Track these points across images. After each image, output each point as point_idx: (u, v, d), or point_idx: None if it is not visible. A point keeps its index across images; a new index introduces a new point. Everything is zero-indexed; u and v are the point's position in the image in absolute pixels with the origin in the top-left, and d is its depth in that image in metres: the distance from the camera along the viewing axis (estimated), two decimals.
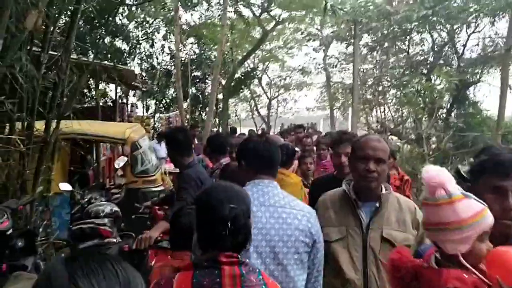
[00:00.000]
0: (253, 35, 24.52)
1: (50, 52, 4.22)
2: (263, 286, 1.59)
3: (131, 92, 15.91)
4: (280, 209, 2.05)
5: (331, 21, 18.34)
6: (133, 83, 10.04)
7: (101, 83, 10.48)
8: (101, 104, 10.74)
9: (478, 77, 15.73)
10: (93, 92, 8.24)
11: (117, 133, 5.69)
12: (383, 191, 2.24)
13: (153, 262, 2.99)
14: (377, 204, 2.19)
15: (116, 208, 3.96)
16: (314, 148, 6.00)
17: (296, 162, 5.04)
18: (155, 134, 11.58)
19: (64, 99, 4.30)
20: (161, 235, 3.01)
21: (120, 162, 5.22)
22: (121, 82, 9.20)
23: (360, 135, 3.03)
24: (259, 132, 14.93)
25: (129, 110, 11.75)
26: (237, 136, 11.09)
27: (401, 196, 2.38)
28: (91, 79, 8.20)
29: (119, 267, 0.82)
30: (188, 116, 14.24)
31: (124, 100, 12.64)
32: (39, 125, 4.15)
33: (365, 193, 2.22)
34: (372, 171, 2.15)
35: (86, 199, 4.32)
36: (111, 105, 11.08)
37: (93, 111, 7.72)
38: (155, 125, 14.24)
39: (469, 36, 15.78)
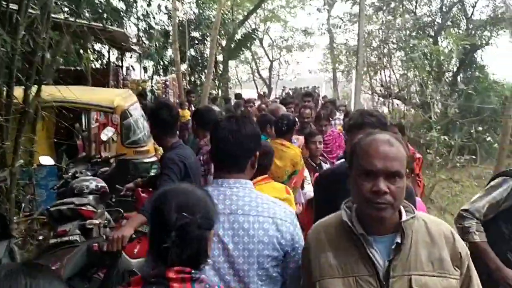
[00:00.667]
0: None
1: (30, 11, 3.86)
2: None
3: (128, 54, 15.39)
4: (242, 217, 1.71)
5: None
6: (126, 45, 9.54)
7: (93, 45, 9.95)
8: (93, 67, 10.29)
9: (487, 40, 15.18)
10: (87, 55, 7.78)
11: (105, 101, 5.32)
12: (404, 216, 1.52)
13: (136, 250, 2.75)
14: (398, 239, 1.49)
15: (102, 184, 3.68)
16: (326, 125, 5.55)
17: (302, 139, 4.75)
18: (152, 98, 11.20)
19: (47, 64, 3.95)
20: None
21: (107, 133, 4.92)
22: (113, 44, 8.74)
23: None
24: (257, 96, 14.50)
25: (124, 73, 11.28)
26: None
27: (431, 218, 1.64)
28: (80, 41, 7.71)
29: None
30: (186, 79, 13.81)
31: (119, 63, 12.13)
32: (18, 92, 3.82)
33: (376, 225, 1.51)
34: (384, 193, 1.43)
35: (70, 173, 4.04)
36: (104, 68, 10.60)
37: (84, 75, 7.28)
38: (152, 88, 13.80)
39: None
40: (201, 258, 1.39)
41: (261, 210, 1.74)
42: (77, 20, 5.75)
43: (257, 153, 1.88)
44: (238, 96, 12.75)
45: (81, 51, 7.69)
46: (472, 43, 13.75)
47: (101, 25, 6.81)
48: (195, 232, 1.34)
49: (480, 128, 9.37)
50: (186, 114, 8.56)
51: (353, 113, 2.25)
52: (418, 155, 4.52)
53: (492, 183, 2.55)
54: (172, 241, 1.30)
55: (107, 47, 10.54)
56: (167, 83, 12.48)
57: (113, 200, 3.57)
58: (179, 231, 1.31)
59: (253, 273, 1.68)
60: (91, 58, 8.78)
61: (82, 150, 6.39)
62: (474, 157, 8.70)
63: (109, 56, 10.37)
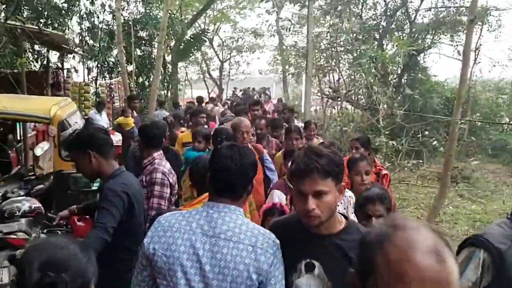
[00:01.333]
0: None
1: None
2: None
3: (71, 55, 14.65)
4: (223, 242, 1.75)
5: None
6: (65, 46, 8.98)
7: (29, 47, 9.29)
8: (31, 70, 9.63)
9: (429, 43, 15.78)
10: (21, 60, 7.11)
11: (40, 111, 4.84)
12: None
13: None
14: None
15: (36, 204, 3.38)
16: (283, 134, 5.36)
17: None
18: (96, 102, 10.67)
19: None
20: None
21: (40, 148, 4.54)
22: (53, 47, 8.20)
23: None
24: (209, 99, 14.26)
25: (65, 75, 10.65)
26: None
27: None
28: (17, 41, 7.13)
29: None
30: (132, 82, 13.28)
31: (60, 64, 11.46)
32: None
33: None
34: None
35: (0, 193, 3.68)
36: (43, 71, 9.94)
37: (18, 79, 6.71)
38: (97, 92, 13.18)
39: (422, 0, 15.67)
40: None
41: (242, 237, 1.76)
42: (9, 22, 5.31)
43: (254, 180, 1.95)
44: (199, 99, 12.49)
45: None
46: (416, 47, 14.27)
47: (36, 27, 6.30)
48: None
49: (427, 133, 9.68)
50: (130, 121, 8.14)
51: (297, 154, 1.90)
52: (384, 172, 4.31)
53: (460, 257, 1.98)
54: None
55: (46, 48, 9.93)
56: (112, 86, 11.92)
57: (49, 224, 3.24)
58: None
59: None
60: (28, 60, 8.10)
61: (16, 164, 5.89)
62: (421, 161, 8.97)
63: (47, 58, 9.74)
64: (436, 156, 10.23)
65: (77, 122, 5.33)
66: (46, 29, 6.89)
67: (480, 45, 15.44)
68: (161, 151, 3.69)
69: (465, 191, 10.45)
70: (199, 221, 1.80)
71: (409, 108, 13.38)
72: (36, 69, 10.48)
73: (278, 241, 1.83)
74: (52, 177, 4.62)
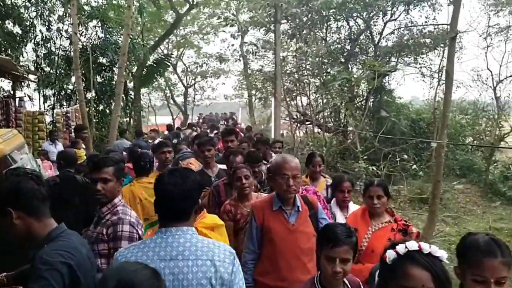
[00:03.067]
0: (166, 19, 23.00)
1: None
2: None
3: (25, 83, 13.81)
4: (181, 262, 1.87)
5: (249, 6, 17.50)
6: (17, 73, 8.26)
7: None
8: None
9: (395, 65, 15.93)
10: None
11: None
12: None
13: None
14: None
15: None
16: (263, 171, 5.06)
17: None
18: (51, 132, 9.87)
19: None
20: None
21: None
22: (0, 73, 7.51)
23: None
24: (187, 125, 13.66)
25: (17, 104, 9.84)
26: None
27: None
28: None
29: None
30: (92, 110, 12.55)
31: (12, 92, 10.65)
32: None
33: None
34: None
35: None
36: None
37: None
38: (53, 121, 12.36)
39: (385, 24, 15.86)
40: None
41: (200, 254, 1.89)
42: None
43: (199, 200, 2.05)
44: (169, 127, 11.89)
45: None
46: (382, 69, 14.32)
47: None
48: None
49: (406, 156, 9.46)
50: (82, 154, 7.44)
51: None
52: (414, 229, 3.34)
53: None
54: None
55: None
56: (69, 115, 11.17)
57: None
58: None
59: None
60: None
61: None
62: (401, 186, 8.68)
63: None
64: (406, 179, 9.97)
65: (23, 157, 4.66)
66: None
67: (443, 67, 15.79)
68: (121, 196, 3.08)
69: (438, 213, 10.27)
70: (155, 248, 1.90)
71: (377, 130, 13.30)
72: None
73: (233, 251, 2.00)
74: None
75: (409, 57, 16.28)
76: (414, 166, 8.98)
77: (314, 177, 4.84)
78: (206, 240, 1.98)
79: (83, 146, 7.95)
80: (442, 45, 14.93)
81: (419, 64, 16.49)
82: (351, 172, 8.68)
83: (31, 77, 11.77)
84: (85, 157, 7.06)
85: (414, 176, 10.03)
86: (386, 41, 16.42)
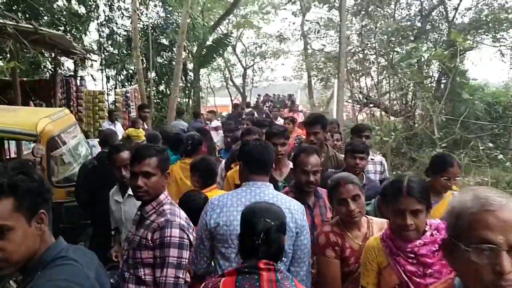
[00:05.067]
0: None
1: None
2: None
3: (89, 63, 14.06)
4: None
5: None
6: (74, 51, 8.20)
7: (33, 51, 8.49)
8: (36, 78, 8.87)
9: (470, 44, 14.54)
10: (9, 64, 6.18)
11: (25, 126, 3.89)
12: None
13: None
14: None
15: None
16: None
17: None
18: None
19: None
20: None
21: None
22: (57, 50, 7.44)
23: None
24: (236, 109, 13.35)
25: (78, 84, 9.91)
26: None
27: None
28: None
29: None
30: (151, 90, 12.50)
31: (75, 72, 10.75)
32: None
33: None
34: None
35: None
36: (50, 79, 9.15)
37: (12, 88, 5.88)
38: (115, 101, 12.46)
39: None
40: (280, 255, 1.94)
41: (280, 203, 2.33)
42: None
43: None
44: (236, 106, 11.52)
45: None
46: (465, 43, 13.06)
47: (31, 26, 5.45)
48: (275, 234, 1.89)
49: (491, 144, 8.42)
50: (141, 134, 7.25)
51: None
52: None
53: None
54: (261, 240, 1.86)
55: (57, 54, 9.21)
56: (128, 95, 11.13)
57: None
58: (265, 233, 1.87)
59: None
60: (23, 65, 7.18)
61: None
62: (485, 178, 7.74)
63: (55, 64, 9.00)
64: (491, 169, 8.79)
65: (73, 139, 4.44)
66: (43, 29, 6.05)
67: None
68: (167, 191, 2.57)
69: None
70: (246, 196, 2.46)
71: (451, 114, 12.22)
72: (42, 78, 9.75)
73: (303, 206, 2.60)
74: None
75: (487, 35, 14.80)
76: (501, 156, 7.89)
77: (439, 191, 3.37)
78: (282, 195, 2.60)
79: (145, 126, 7.79)
80: None
81: (499, 42, 14.96)
82: (424, 161, 7.88)
83: (94, 57, 11.86)
84: (143, 137, 6.89)
85: (492, 166, 8.92)
86: (462, 17, 15.03)
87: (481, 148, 7.82)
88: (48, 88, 8.52)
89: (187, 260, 2.34)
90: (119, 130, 8.56)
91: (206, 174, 3.53)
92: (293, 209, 2.45)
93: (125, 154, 3.32)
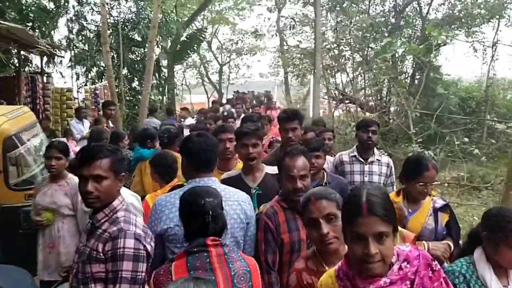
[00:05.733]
0: None
1: None
2: (242, 261, 2.05)
3: (58, 59, 13.59)
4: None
5: None
6: (38, 47, 7.81)
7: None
8: None
9: (443, 40, 14.69)
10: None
11: None
12: None
13: None
14: None
15: None
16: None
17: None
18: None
19: None
20: None
21: None
22: (15, 44, 7.04)
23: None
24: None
25: (45, 81, 9.47)
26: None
27: None
28: None
29: None
30: (123, 87, 12.13)
31: (41, 69, 10.30)
32: None
33: None
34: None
35: None
36: (12, 76, 8.71)
37: None
38: (85, 98, 12.04)
39: None
40: (224, 230, 2.09)
41: (228, 196, 2.49)
42: None
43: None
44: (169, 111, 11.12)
45: None
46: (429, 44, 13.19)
47: None
48: (219, 211, 2.05)
49: (466, 139, 8.41)
50: None
51: None
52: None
53: None
54: (211, 217, 1.98)
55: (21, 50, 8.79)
56: (97, 92, 10.77)
57: None
58: (212, 211, 1.99)
59: (227, 241, 2.28)
60: None
61: None
62: (461, 174, 7.73)
63: (19, 61, 8.60)
64: (466, 163, 8.78)
65: (33, 138, 4.17)
66: (1, 22, 5.68)
67: (498, 41, 14.47)
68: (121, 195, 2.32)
69: (490, 200, 9.27)
70: None
71: (425, 109, 12.29)
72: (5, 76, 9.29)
73: (249, 197, 2.72)
74: None
75: (460, 30, 14.98)
76: (476, 151, 7.86)
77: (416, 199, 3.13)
78: (228, 188, 2.61)
79: (110, 124, 7.45)
80: (497, 16, 13.62)
81: (471, 37, 15.16)
82: (399, 156, 7.82)
83: (62, 53, 11.42)
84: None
85: (467, 160, 8.94)
86: (435, 13, 15.17)
87: (456, 143, 7.80)
88: (12, 85, 8.12)
89: (143, 274, 2.06)
90: (87, 128, 8.24)
91: (163, 169, 3.47)
92: (241, 201, 2.55)
93: None
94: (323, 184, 3.41)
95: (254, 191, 3.05)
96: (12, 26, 5.87)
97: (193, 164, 2.51)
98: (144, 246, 2.06)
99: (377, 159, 4.06)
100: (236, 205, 2.48)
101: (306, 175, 2.63)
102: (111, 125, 7.43)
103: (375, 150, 4.14)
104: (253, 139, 3.14)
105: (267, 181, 3.09)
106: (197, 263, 1.93)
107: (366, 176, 3.99)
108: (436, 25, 14.48)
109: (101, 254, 2.02)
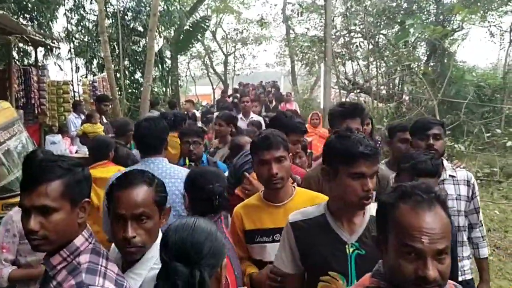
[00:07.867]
0: None
1: None
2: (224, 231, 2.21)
3: (56, 51, 13.08)
4: (163, 179, 2.07)
5: None
6: (32, 37, 7.26)
7: None
8: None
9: (459, 25, 13.99)
10: None
11: None
12: None
13: None
14: None
15: None
16: None
17: None
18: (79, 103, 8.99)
19: None
20: None
21: None
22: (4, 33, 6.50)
23: None
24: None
25: (39, 74, 8.90)
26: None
27: None
28: None
29: None
30: (124, 79, 11.59)
31: (35, 61, 9.75)
32: None
33: None
34: None
35: None
36: (4, 68, 8.15)
37: None
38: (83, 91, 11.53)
39: None
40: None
41: (173, 174, 2.74)
42: None
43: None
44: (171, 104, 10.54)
45: None
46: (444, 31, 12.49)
47: None
48: (224, 193, 2.19)
49: (498, 130, 7.78)
50: (98, 129, 6.40)
51: None
52: None
53: None
54: (218, 201, 2.14)
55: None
56: (96, 84, 10.22)
57: None
58: (219, 195, 2.14)
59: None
60: None
61: None
62: (495, 169, 7.14)
63: (10, 52, 8.07)
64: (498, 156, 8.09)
65: (11, 139, 3.63)
66: None
67: None
68: None
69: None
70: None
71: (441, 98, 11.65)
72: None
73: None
74: None
75: (476, 15, 14.23)
76: (510, 143, 7.20)
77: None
78: (175, 167, 2.88)
79: (104, 120, 6.88)
80: None
81: (488, 22, 14.43)
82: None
83: (61, 44, 10.89)
84: (102, 133, 6.05)
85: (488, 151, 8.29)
86: None
87: (487, 135, 7.19)
88: (3, 79, 7.61)
89: None
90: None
91: (94, 150, 3.70)
92: (183, 178, 2.59)
93: None
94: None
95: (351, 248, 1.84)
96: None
97: (140, 147, 2.84)
98: None
99: (450, 175, 2.90)
100: (179, 182, 2.59)
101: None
102: (104, 121, 6.85)
103: (445, 162, 2.91)
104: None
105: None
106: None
107: None
108: (451, 10, 13.85)
109: None
